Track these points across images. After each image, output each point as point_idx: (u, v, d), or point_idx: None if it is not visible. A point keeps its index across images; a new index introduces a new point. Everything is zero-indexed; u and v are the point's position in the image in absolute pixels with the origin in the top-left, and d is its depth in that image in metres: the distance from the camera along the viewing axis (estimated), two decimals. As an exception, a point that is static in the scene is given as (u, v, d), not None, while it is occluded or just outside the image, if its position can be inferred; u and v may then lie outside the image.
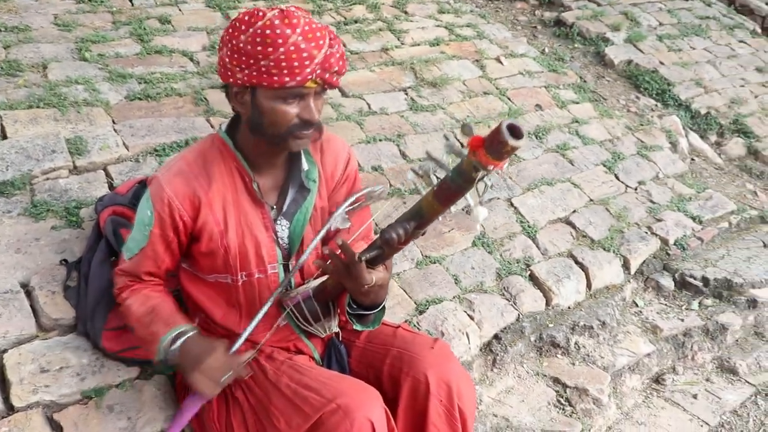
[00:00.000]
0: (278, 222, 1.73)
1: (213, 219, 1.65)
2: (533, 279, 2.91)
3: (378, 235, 1.43)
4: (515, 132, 1.07)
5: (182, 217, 1.63)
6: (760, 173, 4.26)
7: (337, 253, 1.49)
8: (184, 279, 1.79)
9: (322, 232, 1.70)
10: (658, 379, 2.83)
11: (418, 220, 1.31)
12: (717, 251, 3.39)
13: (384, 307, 1.69)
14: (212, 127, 3.00)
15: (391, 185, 3.13)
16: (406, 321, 2.51)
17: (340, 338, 1.85)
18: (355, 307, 1.67)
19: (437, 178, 1.27)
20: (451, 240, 2.96)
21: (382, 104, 3.58)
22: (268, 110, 1.49)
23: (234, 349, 1.63)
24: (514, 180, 3.46)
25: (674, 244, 3.36)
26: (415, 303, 2.60)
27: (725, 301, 3.10)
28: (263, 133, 1.55)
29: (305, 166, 1.70)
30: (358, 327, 1.70)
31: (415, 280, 2.71)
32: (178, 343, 1.57)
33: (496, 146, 1.07)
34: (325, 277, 1.77)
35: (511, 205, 3.29)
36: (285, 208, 1.72)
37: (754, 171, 4.28)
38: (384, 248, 1.40)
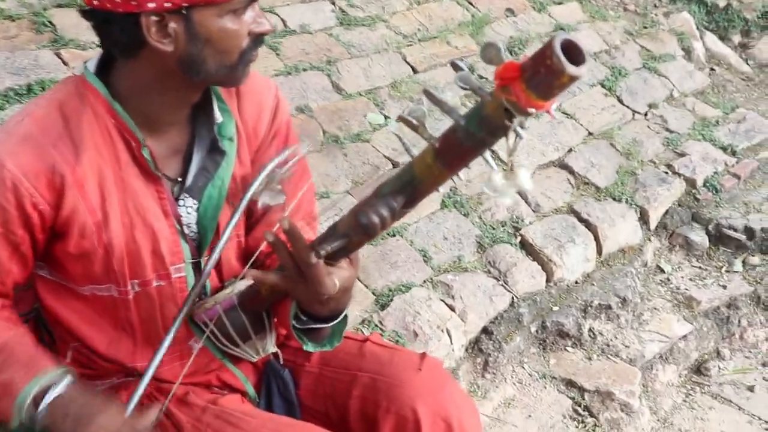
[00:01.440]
0: (182, 202, 1.53)
1: (85, 205, 1.44)
2: (526, 247, 2.80)
3: (340, 218, 1.24)
4: (574, 53, 0.88)
5: (36, 205, 1.42)
6: (798, 83, 4.28)
7: (283, 241, 1.31)
8: (44, 293, 1.58)
9: (239, 211, 1.51)
10: (699, 369, 2.78)
11: (410, 192, 1.12)
12: (759, 191, 3.36)
13: (346, 317, 1.53)
14: (65, 63, 2.73)
15: (324, 132, 2.93)
16: (363, 321, 2.35)
17: (281, 361, 1.69)
18: (304, 319, 1.49)
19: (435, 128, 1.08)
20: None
21: (302, 19, 3.37)
22: (218, 34, 1.34)
23: (134, 401, 1.43)
24: (487, 113, 3.31)
25: (704, 186, 3.31)
26: (373, 294, 2.45)
27: (777, 256, 3.09)
28: (204, 70, 1.37)
29: (218, 117, 1.51)
30: (309, 347, 1.53)
31: (371, 262, 2.54)
32: (47, 399, 1.37)
33: (544, 77, 0.88)
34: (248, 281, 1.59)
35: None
36: (190, 181, 1.53)
37: (791, 80, 4.30)
38: (353, 236, 1.21)
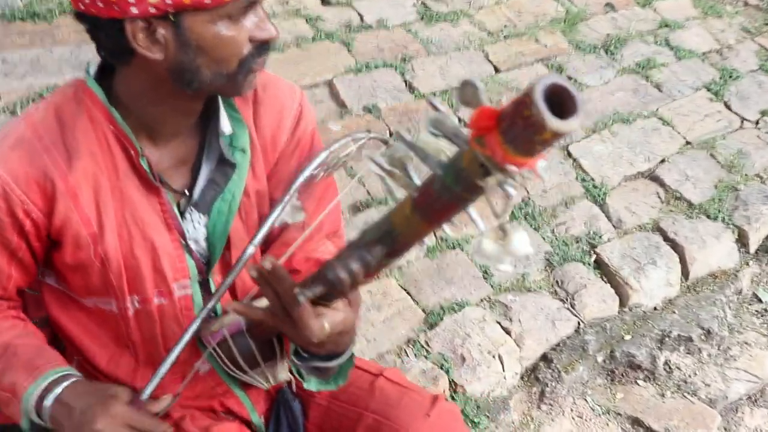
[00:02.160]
0: (188, 216, 1.44)
1: (79, 216, 1.38)
2: (601, 267, 2.58)
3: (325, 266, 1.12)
4: (561, 101, 0.71)
5: (29, 213, 1.38)
6: None
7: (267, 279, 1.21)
8: (49, 301, 1.55)
9: (262, 232, 1.42)
10: (794, 415, 2.51)
11: (389, 243, 0.99)
12: None
13: (353, 356, 1.41)
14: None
15: (391, 134, 2.80)
16: (409, 341, 2.21)
17: (294, 390, 1.59)
18: (305, 355, 1.39)
19: (416, 176, 0.94)
20: (479, 212, 2.62)
21: (380, 14, 3.26)
22: (212, 41, 1.25)
23: (146, 394, 1.38)
24: (574, 117, 3.09)
25: (815, 205, 2.98)
26: (423, 312, 2.30)
27: None
28: (199, 80, 1.28)
29: (226, 128, 1.41)
30: (312, 386, 1.42)
31: (425, 276, 2.40)
32: (51, 396, 1.34)
33: (522, 130, 0.71)
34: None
35: (568, 154, 2.94)
36: (197, 194, 1.44)
37: None
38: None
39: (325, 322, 1.20)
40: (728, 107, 3.36)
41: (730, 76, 3.51)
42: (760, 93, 3.48)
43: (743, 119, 3.32)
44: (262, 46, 1.24)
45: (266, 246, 1.53)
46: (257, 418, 1.59)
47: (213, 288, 1.47)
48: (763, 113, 3.38)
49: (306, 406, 1.60)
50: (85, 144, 1.33)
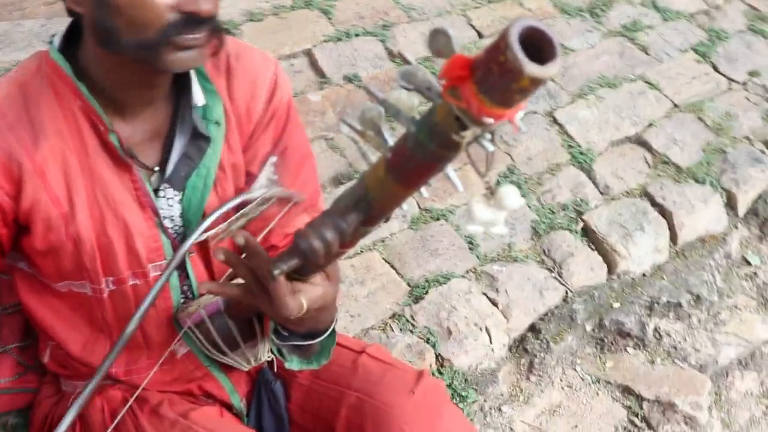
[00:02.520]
0: (162, 193, 1.39)
1: (48, 196, 1.33)
2: (588, 234, 2.54)
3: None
4: (538, 45, 0.65)
5: None
6: None
7: (240, 257, 1.17)
8: (21, 286, 1.50)
9: (230, 204, 1.37)
10: (783, 377, 2.48)
11: (364, 209, 0.93)
12: None
13: (334, 332, 1.38)
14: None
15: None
16: (394, 315, 2.17)
17: (275, 370, 1.56)
18: (285, 334, 1.35)
19: (390, 137, 0.88)
20: (462, 181, 2.56)
21: (359, -20, 3.16)
22: (125, 4, 1.16)
23: (83, 398, 1.32)
24: (557, 81, 3.03)
25: (804, 166, 2.94)
26: (408, 285, 2.26)
27: None
28: (118, 44, 1.21)
29: (199, 100, 1.35)
30: (294, 365, 1.39)
31: (409, 248, 2.35)
32: None
33: (499, 78, 0.65)
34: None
35: (554, 120, 2.88)
36: (170, 170, 1.38)
37: None
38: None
39: (302, 298, 1.16)
40: (716, 69, 3.30)
41: (718, 37, 3.45)
42: (748, 54, 3.43)
43: (731, 81, 3.27)
44: (192, 20, 1.15)
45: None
46: (238, 401, 1.56)
47: (189, 267, 1.42)
48: (752, 74, 3.32)
49: (288, 387, 1.57)
50: (51, 120, 1.28)
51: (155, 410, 1.47)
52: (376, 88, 0.82)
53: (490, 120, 0.70)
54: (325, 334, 1.36)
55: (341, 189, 2.42)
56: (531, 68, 0.63)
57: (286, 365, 1.40)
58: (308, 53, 2.82)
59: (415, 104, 0.82)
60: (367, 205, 0.93)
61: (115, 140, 1.28)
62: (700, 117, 3.04)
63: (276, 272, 1.07)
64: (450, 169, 0.84)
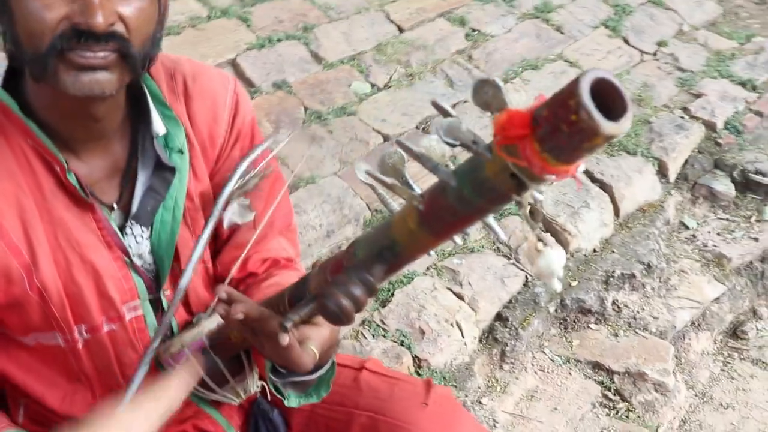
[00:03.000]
0: (128, 231, 1.30)
1: (6, 245, 1.22)
2: (534, 215, 2.54)
3: (309, 274, 1.01)
4: (606, 97, 0.61)
5: None
6: (815, 2, 3.96)
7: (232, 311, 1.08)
8: None
9: (206, 235, 1.29)
10: (735, 333, 2.56)
11: (389, 259, 0.86)
12: (785, 128, 3.10)
13: (334, 364, 1.30)
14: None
15: (306, 108, 2.67)
16: (364, 322, 2.13)
17: (269, 398, 1.47)
18: (283, 371, 1.28)
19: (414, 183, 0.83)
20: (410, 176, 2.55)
21: (271, -17, 3.08)
22: (21, 6, 1.06)
23: None
24: (482, 69, 3.04)
25: (725, 128, 3.05)
26: (372, 289, 2.21)
27: (810, 200, 2.84)
28: (23, 60, 1.12)
29: (160, 129, 1.26)
30: (292, 402, 1.31)
31: (367, 252, 2.31)
32: None
33: (568, 137, 0.61)
34: None
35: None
36: (136, 206, 1.29)
37: (807, 0, 3.98)
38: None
39: (312, 346, 1.09)
40: (627, 42, 3.39)
41: (624, 11, 3.53)
42: (653, 25, 3.53)
43: (642, 52, 3.36)
44: (85, 34, 1.04)
45: (216, 253, 1.42)
46: (236, 434, 1.48)
47: (165, 305, 1.34)
48: (660, 44, 3.43)
49: (287, 415, 1.49)
50: (1, 162, 1.17)
51: (152, 456, 1.38)
52: (409, 141, 0.76)
53: (552, 177, 0.66)
54: (326, 366, 1.30)
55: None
56: (607, 127, 0.58)
57: (285, 403, 1.33)
58: (233, 63, 2.73)
59: (446, 153, 0.77)
60: (394, 256, 0.87)
61: (74, 180, 1.18)
62: (621, 90, 3.11)
63: (288, 324, 1.00)
64: (491, 218, 0.79)
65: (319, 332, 1.08)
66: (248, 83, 2.68)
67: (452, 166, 0.73)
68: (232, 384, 1.37)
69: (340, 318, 0.87)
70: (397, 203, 0.84)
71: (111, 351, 1.30)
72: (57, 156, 1.16)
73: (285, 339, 1.01)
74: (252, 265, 1.40)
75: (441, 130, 0.69)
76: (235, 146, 1.37)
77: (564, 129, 0.59)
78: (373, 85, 2.84)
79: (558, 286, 0.78)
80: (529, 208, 0.71)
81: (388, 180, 0.79)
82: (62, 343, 1.28)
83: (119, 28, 1.05)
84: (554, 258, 0.72)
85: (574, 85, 0.58)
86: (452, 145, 0.69)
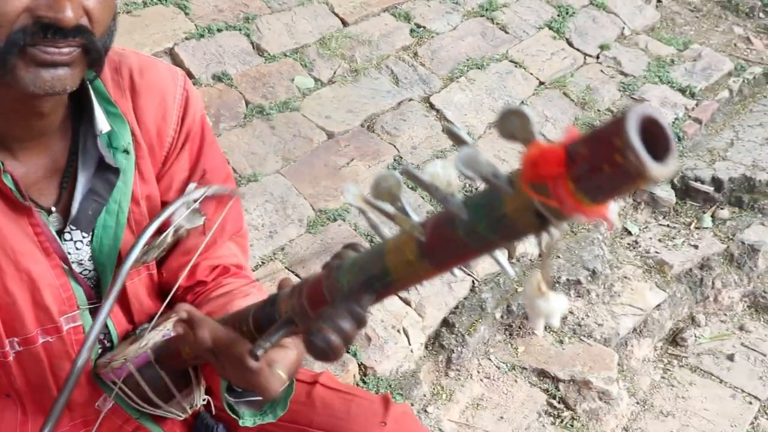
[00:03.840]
0: (67, 236, 1.21)
1: None
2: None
3: (278, 295, 0.93)
4: (651, 135, 0.55)
5: None
6: (748, 11, 4.05)
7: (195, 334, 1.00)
8: None
9: (142, 241, 1.20)
10: (675, 339, 2.58)
11: (378, 289, 0.79)
12: (722, 135, 3.15)
13: (293, 382, 1.23)
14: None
15: (247, 102, 2.57)
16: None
17: (213, 412, 1.38)
18: (239, 390, 1.20)
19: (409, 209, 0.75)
20: (352, 177, 2.48)
21: (210, -31, 2.96)
22: None
23: None
24: (427, 66, 2.99)
25: (666, 135, 3.07)
26: (316, 293, 2.14)
27: (747, 208, 2.87)
28: None
29: (103, 126, 1.17)
30: (247, 422, 1.23)
31: (311, 255, 2.23)
32: None
33: (610, 178, 0.55)
34: (173, 319, 1.29)
35: (431, 107, 2.85)
36: (76, 209, 1.20)
37: (741, 8, 4.06)
38: (293, 324, 0.90)
39: (280, 371, 1.02)
40: (570, 44, 3.39)
41: (567, 13, 3.53)
42: (595, 28, 3.54)
43: (585, 55, 3.37)
44: (49, 28, 0.97)
45: (163, 260, 1.33)
46: (179, 449, 1.39)
47: (108, 317, 1.25)
48: (602, 47, 3.44)
49: (232, 430, 1.42)
50: None
51: (92, 474, 1.29)
52: (413, 168, 0.68)
53: (583, 217, 0.60)
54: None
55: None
56: (655, 170, 0.52)
57: (240, 423, 1.25)
58: (170, 52, 2.61)
59: (452, 181, 0.70)
60: (384, 286, 0.79)
61: (9, 182, 1.09)
62: (565, 93, 3.11)
63: (259, 352, 0.92)
64: (500, 254, 0.73)
65: (287, 355, 1.01)
66: (187, 74, 2.56)
67: (458, 196, 0.67)
68: (178, 399, 1.29)
69: (328, 355, 0.79)
70: (387, 228, 0.77)
71: (46, 364, 1.22)
72: None
73: (255, 365, 0.94)
74: (201, 273, 1.32)
75: (459, 162, 0.62)
76: (185, 146, 1.29)
77: (605, 169, 0.53)
78: (316, 80, 2.76)
79: (556, 323, 0.72)
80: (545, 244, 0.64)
81: (386, 207, 0.71)
82: None
83: (84, 21, 0.98)
84: (557, 307, 0.67)
85: (621, 123, 0.52)
86: (469, 177, 0.63)
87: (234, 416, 1.19)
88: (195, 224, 1.30)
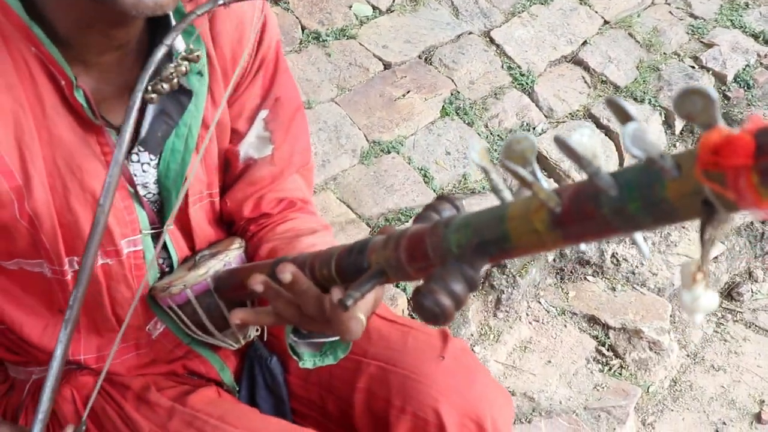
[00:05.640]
0: (134, 157, 1.19)
1: None
2: (540, 161, 2.44)
3: (369, 241, 0.89)
4: None
5: None
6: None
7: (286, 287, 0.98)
8: None
9: (196, 161, 1.18)
10: (731, 294, 2.52)
11: (493, 252, 0.74)
12: (795, 86, 3.01)
13: None
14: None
15: (303, 28, 2.51)
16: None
17: (265, 343, 1.39)
18: (305, 332, 1.17)
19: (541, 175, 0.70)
20: (408, 110, 2.42)
21: None
22: None
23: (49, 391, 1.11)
24: (489, 0, 2.89)
25: (734, 81, 2.94)
26: (368, 225, 2.11)
27: (815, 163, 2.77)
28: None
29: (179, 45, 1.13)
30: (307, 363, 1.21)
31: (363, 186, 2.20)
32: None
33: None
34: (235, 249, 1.27)
35: (491, 41, 2.75)
36: (145, 130, 1.17)
37: (820, -46, 3.86)
38: (385, 276, 0.86)
39: (360, 314, 0.98)
40: (638, -18, 3.25)
41: (637, -51, 3.38)
42: (666, -34, 3.39)
43: (654, -6, 3.23)
44: None
45: (227, 188, 1.30)
46: (229, 378, 1.38)
47: (169, 241, 1.23)
48: (672, -13, 3.29)
49: (286, 361, 1.39)
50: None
51: (142, 397, 1.28)
52: (563, 137, 0.62)
53: (759, 211, 0.55)
54: None
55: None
56: None
57: (300, 365, 1.22)
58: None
59: (597, 153, 0.64)
60: (501, 251, 0.74)
61: (81, 98, 1.04)
62: (631, 33, 2.99)
63: (349, 303, 0.89)
64: (639, 233, 0.68)
65: (365, 299, 0.98)
66: (243, -5, 2.50)
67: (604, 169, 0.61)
68: (233, 329, 1.28)
69: (438, 318, 0.75)
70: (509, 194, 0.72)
71: (103, 286, 1.20)
72: (64, 69, 1.02)
73: (344, 310, 0.91)
74: (266, 205, 1.29)
75: (626, 139, 0.56)
76: (258, 73, 1.24)
77: None
78: (375, 8, 2.68)
79: (698, 320, 0.67)
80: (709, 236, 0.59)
81: (520, 170, 0.66)
82: (49, 273, 1.17)
83: None
84: (707, 302, 0.61)
85: None
86: (635, 156, 0.57)
87: (295, 357, 1.17)
88: (263, 154, 1.27)
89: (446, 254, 0.75)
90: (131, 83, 1.12)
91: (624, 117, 0.58)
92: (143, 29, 1.09)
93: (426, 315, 0.75)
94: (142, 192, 1.17)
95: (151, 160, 1.17)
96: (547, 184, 0.66)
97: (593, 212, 0.61)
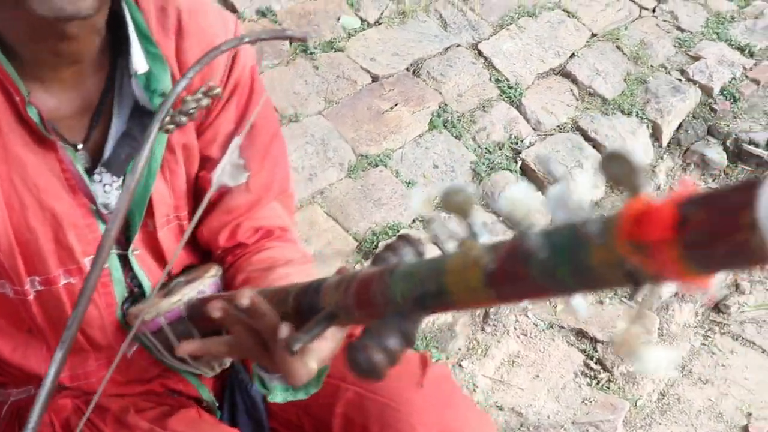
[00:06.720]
0: (97, 178, 1.14)
1: None
2: (527, 173, 2.42)
3: (323, 283, 0.85)
4: None
5: None
6: (813, -30, 3.83)
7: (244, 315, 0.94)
8: None
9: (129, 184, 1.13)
10: (718, 306, 2.49)
11: (431, 305, 0.70)
12: (780, 99, 3.00)
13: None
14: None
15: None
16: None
17: (245, 365, 1.35)
18: None
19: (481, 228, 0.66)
20: (396, 123, 2.39)
21: None
22: None
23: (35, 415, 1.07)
24: (477, 12, 2.87)
25: (721, 94, 2.94)
26: (355, 240, 2.08)
27: (801, 175, 2.75)
28: None
29: (140, 66, 1.09)
30: (277, 397, 1.16)
31: (351, 200, 2.17)
32: None
33: (724, 255, 0.46)
34: (209, 277, 1.22)
35: (479, 54, 2.73)
36: (109, 151, 1.13)
37: (806, -33, 3.85)
38: (336, 320, 0.82)
39: (311, 361, 0.94)
40: (626, -5, 3.23)
41: (624, -38, 3.37)
42: (653, -22, 3.38)
43: (641, 8, 3.22)
44: None
45: (205, 216, 1.25)
46: (208, 394, 1.34)
47: (134, 261, 1.19)
48: (659, 0, 3.27)
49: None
50: None
51: (120, 419, 1.24)
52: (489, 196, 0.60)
53: (684, 285, 0.52)
54: None
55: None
56: None
57: (269, 398, 1.18)
58: (215, -15, 2.51)
59: (532, 209, 0.60)
60: (439, 304, 0.70)
61: (34, 114, 1.01)
62: (618, 46, 2.98)
63: (296, 347, 0.84)
64: (575, 297, 0.64)
65: (321, 347, 0.93)
66: (230, 8, 2.47)
67: (537, 228, 0.58)
68: (208, 358, 1.23)
69: (370, 374, 0.71)
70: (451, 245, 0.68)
71: (67, 305, 1.16)
72: (17, 84, 0.99)
73: (290, 353, 0.87)
74: (242, 234, 1.24)
75: (550, 202, 0.53)
76: (232, 98, 1.19)
77: (721, 244, 0.44)
78: (363, 20, 2.65)
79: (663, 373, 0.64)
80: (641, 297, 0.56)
81: (452, 225, 0.63)
82: (11, 293, 1.13)
83: None
84: (665, 360, 0.58)
85: (749, 194, 0.42)
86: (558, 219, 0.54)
87: (264, 390, 1.13)
88: (238, 181, 1.22)
89: (390, 303, 0.71)
90: (92, 102, 1.08)
91: (552, 179, 0.56)
92: (103, 47, 1.05)
93: (358, 370, 0.71)
94: (104, 212, 1.13)
95: (114, 181, 1.13)
96: (488, 236, 0.61)
97: (524, 273, 0.57)
